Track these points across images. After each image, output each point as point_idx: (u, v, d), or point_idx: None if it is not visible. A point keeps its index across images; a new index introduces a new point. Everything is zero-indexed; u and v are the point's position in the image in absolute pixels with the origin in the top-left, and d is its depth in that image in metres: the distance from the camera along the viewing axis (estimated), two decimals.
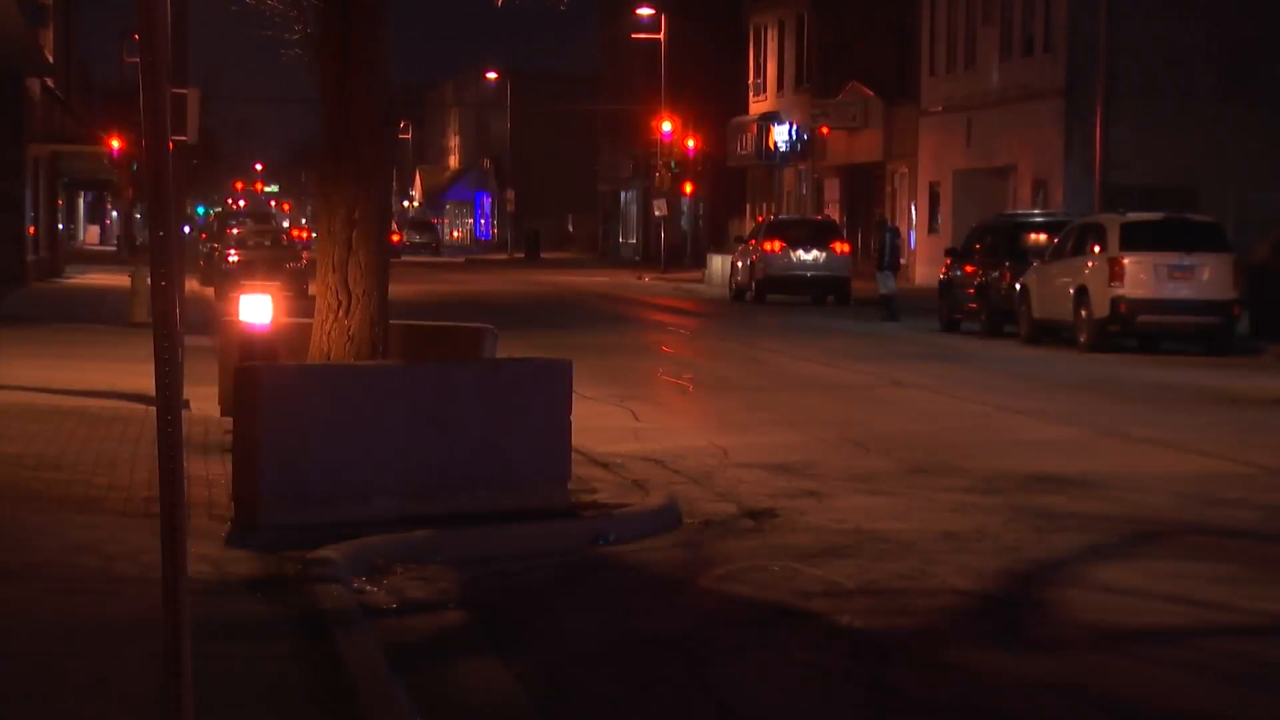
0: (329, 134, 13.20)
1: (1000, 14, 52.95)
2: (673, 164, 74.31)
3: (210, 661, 7.34)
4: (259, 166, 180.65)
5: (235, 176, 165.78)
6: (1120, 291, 29.98)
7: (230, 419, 12.57)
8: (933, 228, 58.34)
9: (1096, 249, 30.77)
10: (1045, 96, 49.25)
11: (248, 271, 42.63)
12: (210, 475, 13.01)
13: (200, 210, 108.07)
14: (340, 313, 13.17)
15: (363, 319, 13.16)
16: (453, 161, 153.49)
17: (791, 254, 48.27)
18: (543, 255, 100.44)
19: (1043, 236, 34.63)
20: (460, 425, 11.87)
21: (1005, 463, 15.75)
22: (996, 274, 34.33)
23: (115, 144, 53.35)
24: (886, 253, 41.04)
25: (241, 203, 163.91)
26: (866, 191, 65.04)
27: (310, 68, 14.57)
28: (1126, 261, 30.11)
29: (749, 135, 73.20)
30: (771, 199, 74.11)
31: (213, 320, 27.76)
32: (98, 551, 10.16)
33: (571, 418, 12.44)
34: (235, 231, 51.89)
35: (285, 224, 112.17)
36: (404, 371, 12.41)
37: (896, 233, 44.26)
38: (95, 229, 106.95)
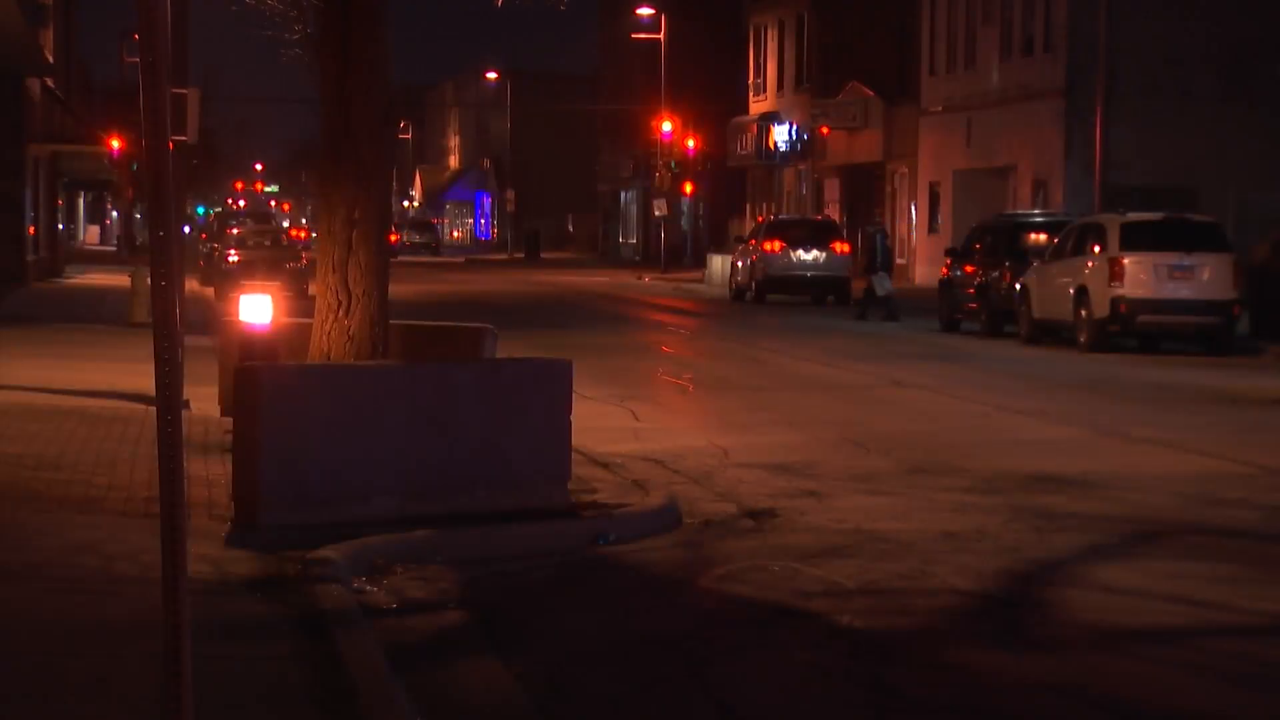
0: (329, 134, 13.20)
1: (1000, 14, 52.95)
2: (673, 164, 74.33)
3: (210, 661, 7.34)
4: (259, 166, 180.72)
5: (235, 176, 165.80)
6: (1120, 291, 29.98)
7: (230, 419, 12.57)
8: (933, 228, 58.34)
9: (1096, 249, 30.77)
10: (1045, 96, 49.26)
11: (248, 271, 42.63)
12: (210, 475, 13.01)
13: (200, 210, 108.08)
14: (340, 313, 13.17)
15: (363, 319, 13.16)
16: (453, 161, 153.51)
17: (791, 254, 48.28)
18: (543, 255, 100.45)
19: (1043, 236, 34.63)
20: (460, 425, 11.88)
21: (1005, 463, 15.75)
22: (996, 274, 34.33)
23: (115, 144, 53.35)
24: (879, 254, 41.14)
25: (241, 203, 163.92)
26: (866, 191, 65.04)
27: (310, 68, 14.57)
28: (1126, 261, 30.11)
29: (749, 135, 73.21)
30: (771, 199, 74.12)
31: (213, 320, 27.77)
32: (98, 551, 10.16)
33: (571, 418, 12.44)
34: (235, 231, 51.88)
35: (285, 224, 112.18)
36: (404, 371, 12.42)
37: (886, 234, 44.42)
38: (95, 229, 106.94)
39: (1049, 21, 49.40)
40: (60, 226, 61.25)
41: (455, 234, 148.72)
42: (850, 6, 65.58)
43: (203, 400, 17.07)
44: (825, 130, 66.69)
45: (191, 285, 41.61)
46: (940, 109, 57.43)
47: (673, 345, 32.39)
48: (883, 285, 40.53)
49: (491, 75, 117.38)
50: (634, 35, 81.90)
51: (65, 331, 29.42)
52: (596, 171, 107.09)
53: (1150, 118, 47.01)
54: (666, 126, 74.64)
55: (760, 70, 76.48)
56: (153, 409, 6.40)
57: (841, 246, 49.19)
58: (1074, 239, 31.78)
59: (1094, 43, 46.60)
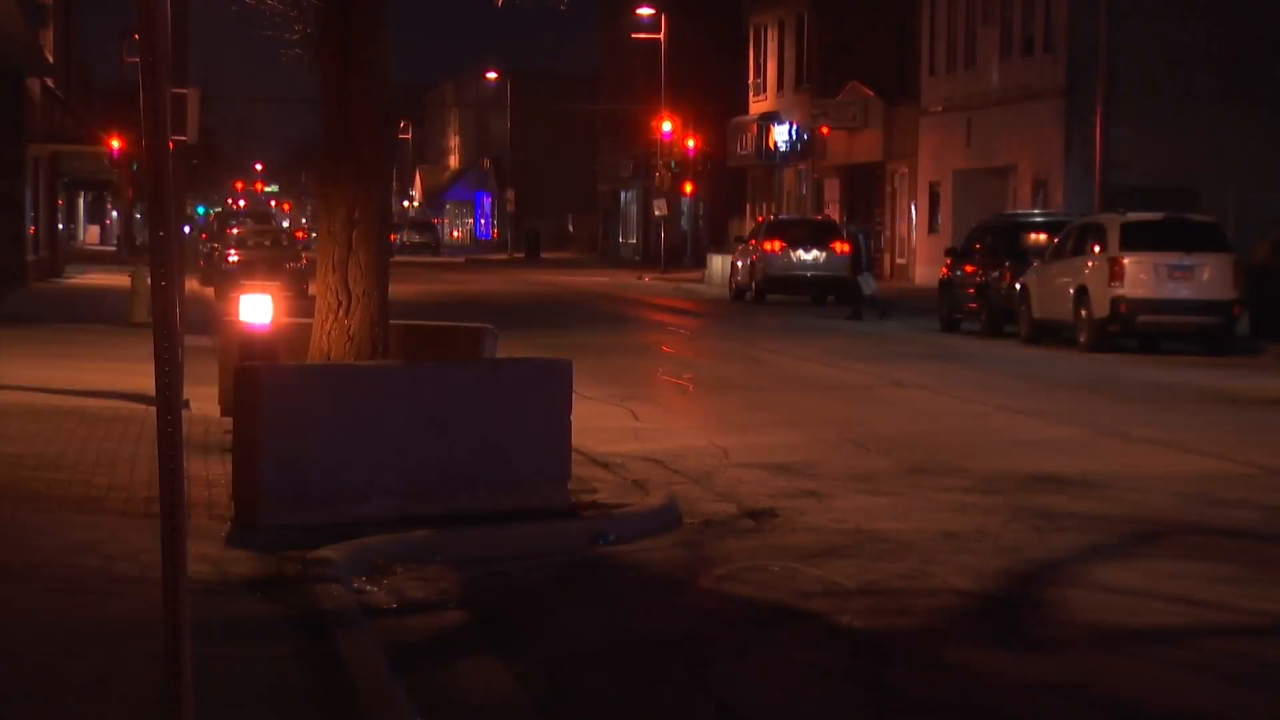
0: (329, 134, 13.20)
1: (1000, 14, 52.94)
2: (673, 164, 74.30)
3: (210, 661, 7.34)
4: (259, 166, 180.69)
5: (235, 176, 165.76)
6: (1120, 291, 29.99)
7: (230, 419, 12.57)
8: (933, 228, 58.33)
9: (1096, 249, 30.77)
10: (1045, 96, 49.25)
11: (248, 271, 42.64)
12: (210, 475, 13.01)
13: (200, 210, 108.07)
14: (340, 313, 13.17)
15: (363, 319, 13.16)
16: (453, 161, 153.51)
17: (791, 254, 48.29)
18: (543, 255, 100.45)
19: (1043, 236, 34.64)
20: (460, 425, 11.88)
21: (1005, 463, 15.75)
22: (996, 274, 34.34)
23: (115, 144, 53.34)
24: (863, 255, 41.38)
25: (241, 203, 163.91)
26: (866, 191, 65.04)
27: (310, 68, 14.57)
28: (1126, 261, 30.12)
29: (749, 135, 73.20)
30: (771, 199, 74.11)
31: (213, 320, 27.76)
32: (98, 551, 10.16)
33: (571, 418, 12.44)
34: (235, 231, 51.89)
35: (285, 224, 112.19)
36: (404, 371, 12.42)
37: (869, 233, 44.66)
38: (95, 229, 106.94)
39: (1049, 21, 49.39)
40: (60, 226, 61.24)
41: (455, 234, 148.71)
42: (850, 6, 65.58)
43: (203, 400, 17.06)
44: (825, 130, 66.68)
45: (191, 285, 41.62)
46: (940, 109, 57.43)
47: (673, 345, 32.40)
48: (868, 284, 40.71)
49: (491, 75, 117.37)
50: (634, 35, 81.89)
51: (65, 331, 29.41)
52: (596, 171, 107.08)
53: (1150, 118, 46.99)
54: (666, 126, 74.63)
55: (760, 70, 76.48)
56: (153, 409, 6.40)
57: (841, 246, 49.10)
58: (1074, 239, 31.78)
59: (1094, 43, 46.58)
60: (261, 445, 11.09)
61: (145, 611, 8.01)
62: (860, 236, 42.38)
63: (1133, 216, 31.34)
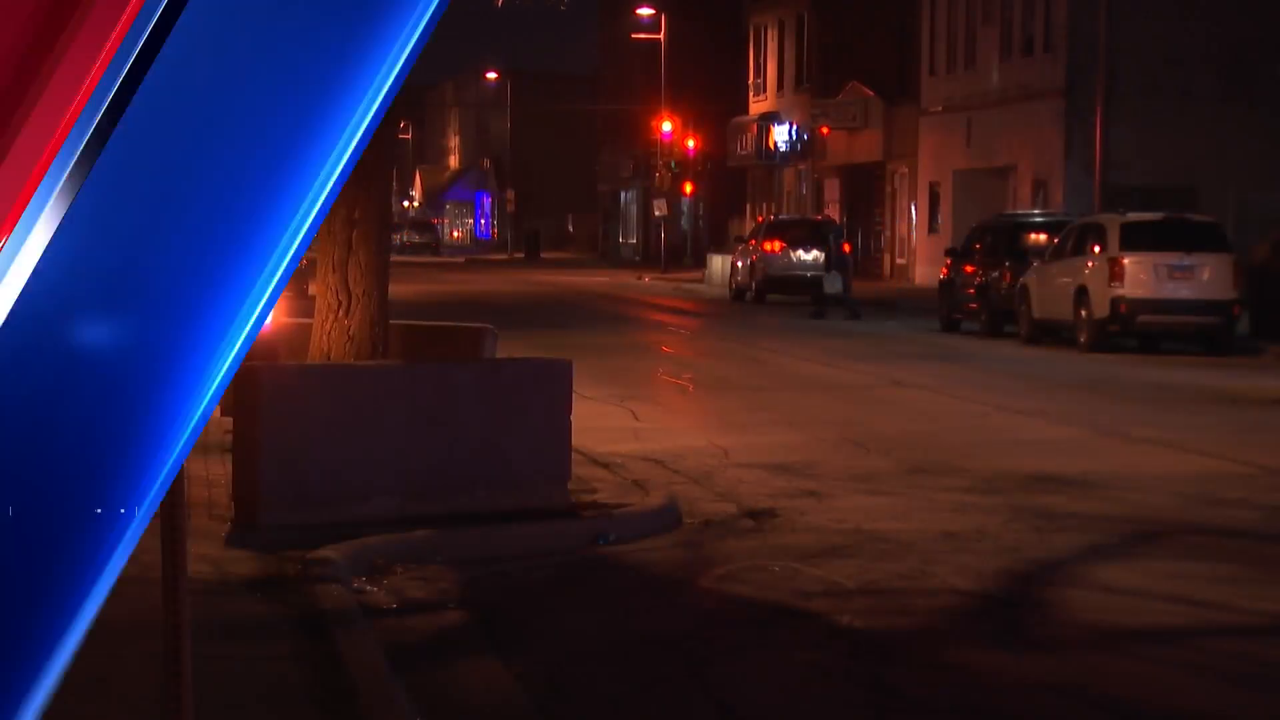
0: None
1: (1000, 14, 52.95)
2: (673, 164, 74.35)
3: (210, 661, 7.34)
4: None
5: None
6: (1120, 291, 29.99)
7: (230, 419, 12.57)
8: (933, 228, 58.32)
9: (1096, 249, 30.77)
10: (1045, 96, 49.26)
11: None
12: (210, 475, 13.01)
13: None
14: (340, 313, 13.18)
15: (363, 319, 13.17)
16: (453, 161, 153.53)
17: (791, 254, 48.28)
18: (543, 255, 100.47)
19: (1043, 236, 34.65)
20: (460, 425, 11.88)
21: (1005, 463, 15.75)
22: (996, 274, 34.33)
23: None
24: (833, 253, 41.50)
25: None
26: (866, 191, 65.04)
27: None
28: (1126, 261, 30.12)
29: (749, 135, 73.20)
30: (771, 199, 74.11)
31: None
32: None
33: (571, 418, 12.44)
34: None
35: None
36: (404, 371, 12.42)
37: (841, 233, 44.81)
38: None
39: (1049, 21, 49.40)
40: None
41: (455, 234, 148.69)
42: (850, 6, 65.59)
43: None
44: (825, 130, 66.68)
45: None
46: (940, 109, 57.43)
47: (673, 345, 32.40)
48: (833, 284, 40.79)
49: (491, 75, 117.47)
50: (634, 35, 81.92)
51: None
52: (596, 171, 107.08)
53: (1150, 118, 46.99)
54: (666, 126, 74.69)
55: (760, 70, 76.48)
56: None
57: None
58: (1074, 239, 31.78)
59: (1094, 43, 46.58)
60: (261, 445, 11.10)
61: (145, 611, 8.00)
62: (831, 236, 42.58)
63: (1133, 216, 31.34)
